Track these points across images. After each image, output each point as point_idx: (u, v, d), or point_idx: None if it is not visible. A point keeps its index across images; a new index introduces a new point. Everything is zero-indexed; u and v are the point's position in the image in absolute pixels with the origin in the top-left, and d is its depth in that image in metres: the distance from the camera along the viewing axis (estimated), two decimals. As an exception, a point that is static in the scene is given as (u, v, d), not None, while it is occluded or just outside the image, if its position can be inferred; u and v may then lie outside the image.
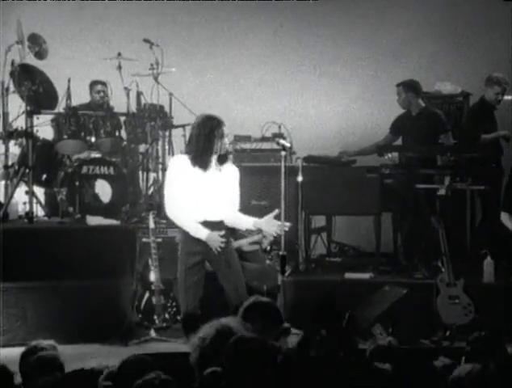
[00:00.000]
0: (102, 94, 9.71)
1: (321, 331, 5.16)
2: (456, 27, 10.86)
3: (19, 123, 8.82)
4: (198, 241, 6.36)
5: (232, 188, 6.47)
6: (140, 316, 7.75)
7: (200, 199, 6.34)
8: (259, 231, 7.16)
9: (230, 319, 4.71)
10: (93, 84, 9.81)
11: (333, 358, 4.61)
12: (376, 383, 4.51)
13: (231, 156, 6.54)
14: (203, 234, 6.33)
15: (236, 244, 7.69)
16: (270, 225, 6.43)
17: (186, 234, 6.42)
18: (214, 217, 6.40)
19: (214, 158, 6.31)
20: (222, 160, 6.35)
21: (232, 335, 4.39)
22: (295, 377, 4.25)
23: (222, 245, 6.32)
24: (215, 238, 6.31)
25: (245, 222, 6.54)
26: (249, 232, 7.50)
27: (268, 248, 8.18)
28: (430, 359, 5.12)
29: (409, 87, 9.26)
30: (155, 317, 7.75)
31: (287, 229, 6.50)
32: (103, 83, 9.74)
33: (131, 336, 7.58)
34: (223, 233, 6.37)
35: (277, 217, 6.47)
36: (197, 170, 6.30)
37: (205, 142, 6.24)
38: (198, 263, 6.41)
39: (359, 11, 11.05)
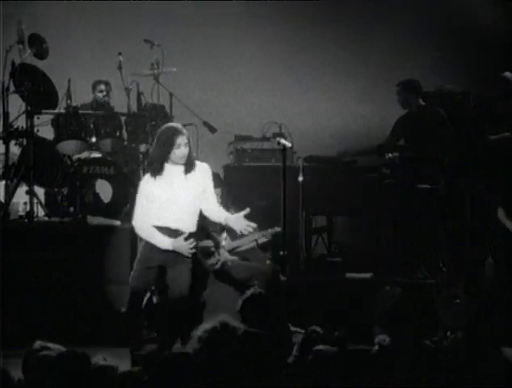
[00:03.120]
0: (104, 93, 9.74)
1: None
2: (458, 27, 10.91)
3: (20, 123, 8.78)
4: (158, 250, 6.45)
5: (204, 187, 6.51)
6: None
7: (162, 207, 6.40)
8: (256, 231, 7.18)
9: (226, 315, 4.74)
10: (96, 84, 9.82)
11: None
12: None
13: (196, 161, 6.56)
14: (167, 243, 6.40)
15: (234, 244, 7.74)
16: (239, 224, 6.47)
17: (147, 244, 6.54)
18: (178, 224, 6.44)
19: (179, 166, 6.39)
20: (187, 169, 6.41)
21: (231, 330, 4.44)
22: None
23: (192, 245, 6.36)
24: (180, 244, 6.36)
25: (217, 216, 6.60)
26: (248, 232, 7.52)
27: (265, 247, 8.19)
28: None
29: (409, 87, 9.26)
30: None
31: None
32: (106, 83, 9.78)
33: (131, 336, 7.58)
34: (186, 235, 6.40)
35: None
36: (157, 181, 6.40)
37: (158, 151, 6.40)
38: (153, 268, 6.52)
39: (359, 10, 11.08)
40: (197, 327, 4.58)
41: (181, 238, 6.36)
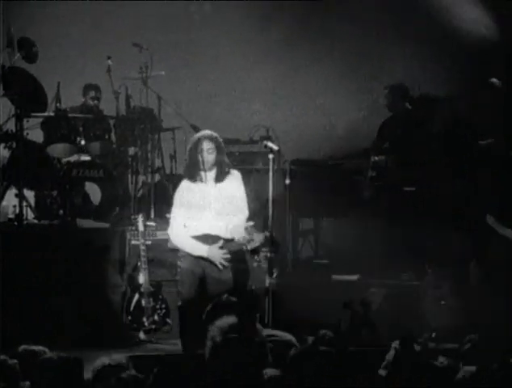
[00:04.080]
0: (95, 100, 9.76)
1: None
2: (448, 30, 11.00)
3: (9, 126, 8.80)
4: (198, 259, 6.53)
5: (233, 194, 6.59)
6: (129, 318, 7.80)
7: (197, 213, 6.48)
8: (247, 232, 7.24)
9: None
10: (86, 88, 9.84)
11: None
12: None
13: (230, 169, 6.65)
14: (202, 251, 6.49)
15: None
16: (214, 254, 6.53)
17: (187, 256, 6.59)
18: (213, 230, 6.52)
19: (211, 173, 6.48)
20: (218, 175, 6.50)
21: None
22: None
23: (225, 256, 6.46)
24: (214, 252, 6.45)
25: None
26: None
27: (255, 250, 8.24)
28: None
29: (397, 91, 9.34)
30: (144, 319, 7.80)
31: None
32: (96, 88, 9.81)
33: (120, 338, 7.62)
34: (221, 244, 6.50)
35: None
36: (193, 187, 6.51)
37: (188, 157, 6.53)
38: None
39: (351, 12, 11.14)
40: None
41: (215, 246, 6.47)
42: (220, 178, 6.53)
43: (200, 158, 6.40)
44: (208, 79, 11.21)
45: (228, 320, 4.48)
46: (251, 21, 11.01)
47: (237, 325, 4.38)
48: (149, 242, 8.11)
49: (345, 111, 10.99)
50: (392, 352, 5.13)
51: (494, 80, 9.44)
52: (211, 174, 6.51)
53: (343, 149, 9.67)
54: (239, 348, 4.15)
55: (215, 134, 6.57)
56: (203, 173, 6.48)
